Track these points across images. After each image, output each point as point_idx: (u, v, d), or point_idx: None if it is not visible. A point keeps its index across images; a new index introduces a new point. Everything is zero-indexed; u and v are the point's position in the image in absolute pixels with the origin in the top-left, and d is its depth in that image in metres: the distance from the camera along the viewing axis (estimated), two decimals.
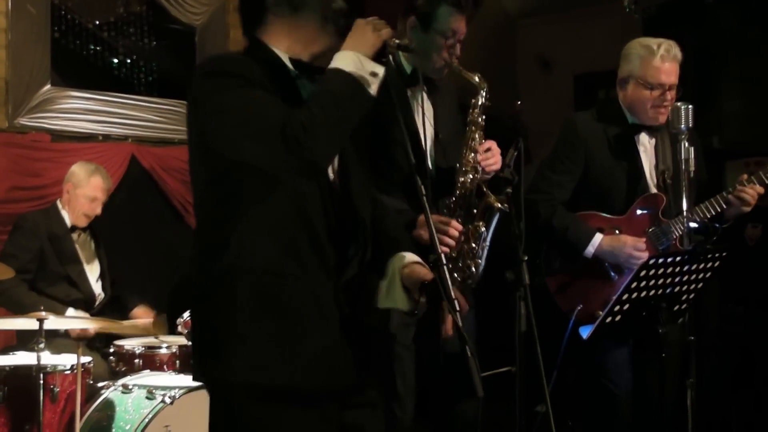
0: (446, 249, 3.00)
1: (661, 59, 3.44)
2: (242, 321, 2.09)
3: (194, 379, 2.27)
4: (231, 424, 2.15)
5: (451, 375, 3.00)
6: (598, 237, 3.43)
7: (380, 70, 2.12)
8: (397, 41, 2.25)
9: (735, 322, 4.90)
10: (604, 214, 3.50)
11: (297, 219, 2.13)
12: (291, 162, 2.03)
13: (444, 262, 2.15)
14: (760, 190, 3.40)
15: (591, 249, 3.42)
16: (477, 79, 3.16)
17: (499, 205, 2.98)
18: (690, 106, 3.32)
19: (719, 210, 3.43)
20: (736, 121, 3.98)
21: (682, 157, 3.32)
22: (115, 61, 5.96)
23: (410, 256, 2.33)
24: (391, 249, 2.37)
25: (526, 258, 2.96)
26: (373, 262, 2.35)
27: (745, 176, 3.42)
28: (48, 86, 5.42)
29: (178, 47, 6.17)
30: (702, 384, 3.23)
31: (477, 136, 3.16)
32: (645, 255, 3.36)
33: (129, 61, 6.00)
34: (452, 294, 2.14)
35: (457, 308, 2.13)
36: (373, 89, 2.12)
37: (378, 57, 2.16)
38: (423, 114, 3.17)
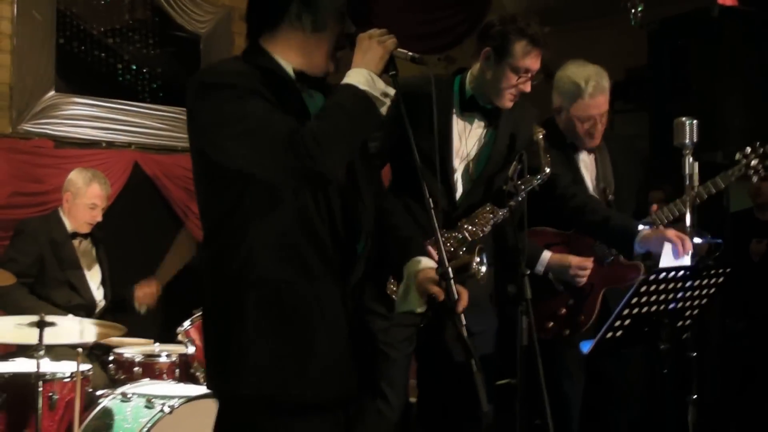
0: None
1: (589, 96, 3.55)
2: (250, 332, 2.09)
3: (208, 388, 2.28)
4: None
5: (458, 387, 3.00)
6: (546, 256, 3.53)
7: (391, 92, 2.12)
8: (409, 53, 2.23)
9: (738, 338, 4.88)
10: (552, 230, 3.58)
11: (301, 227, 2.12)
12: (296, 172, 2.02)
13: (451, 276, 2.14)
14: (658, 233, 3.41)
15: (540, 268, 3.53)
16: (547, 169, 3.17)
17: (474, 270, 2.96)
18: (694, 122, 3.32)
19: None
20: (741, 135, 3.95)
21: (687, 172, 3.34)
22: (120, 67, 5.96)
23: (425, 261, 2.32)
24: (404, 248, 2.37)
25: (528, 272, 2.97)
26: (383, 259, 2.36)
27: (655, 207, 3.51)
28: (52, 92, 5.42)
29: (182, 55, 6.18)
30: (704, 400, 3.22)
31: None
32: (587, 273, 3.50)
33: (134, 67, 6.00)
34: (458, 307, 2.13)
35: (463, 322, 2.13)
36: (384, 110, 2.11)
37: (385, 68, 2.16)
38: (466, 138, 3.17)
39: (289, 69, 2.20)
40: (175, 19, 5.89)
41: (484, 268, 2.93)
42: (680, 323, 3.11)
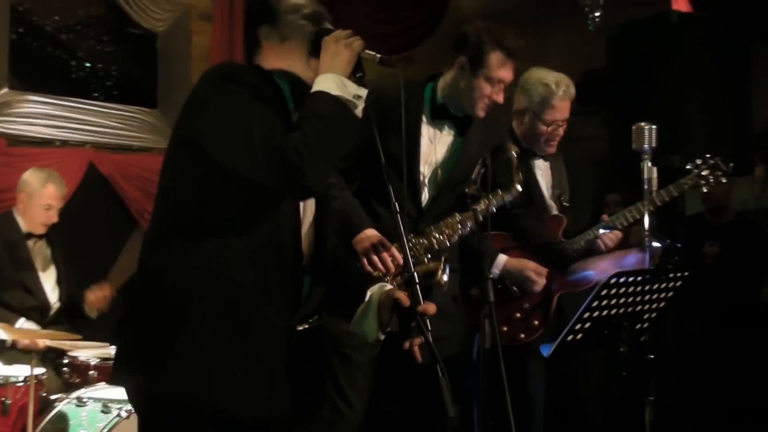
0: (370, 270, 2.98)
1: (560, 99, 3.60)
2: (195, 334, 2.03)
3: (118, 383, 2.21)
4: None
5: (421, 393, 3.00)
6: (502, 259, 3.57)
7: (363, 93, 2.10)
8: (377, 55, 2.20)
9: (695, 339, 4.95)
10: (508, 234, 3.61)
11: (272, 246, 2.10)
12: (285, 185, 2.00)
13: (417, 281, 2.14)
14: (619, 235, 3.58)
15: (496, 270, 3.54)
16: (518, 186, 3.19)
17: (438, 278, 2.96)
18: (653, 127, 3.35)
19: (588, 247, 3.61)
20: (699, 139, 4.02)
21: (645, 176, 3.38)
22: (74, 64, 5.86)
23: (389, 286, 2.32)
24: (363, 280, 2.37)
25: (491, 276, 2.98)
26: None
27: (606, 217, 3.59)
28: (5, 89, 5.31)
29: (138, 53, 6.10)
30: (661, 401, 3.26)
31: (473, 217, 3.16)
32: (543, 280, 3.55)
33: (88, 65, 5.90)
34: (423, 311, 2.12)
35: (429, 327, 2.12)
36: (359, 111, 2.09)
37: (354, 70, 2.13)
38: (435, 145, 3.17)
39: (283, 84, 2.19)
40: (132, 16, 5.80)
41: (446, 277, 2.96)
42: (638, 326, 3.16)
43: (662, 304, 3.13)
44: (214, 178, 2.05)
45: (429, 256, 3.13)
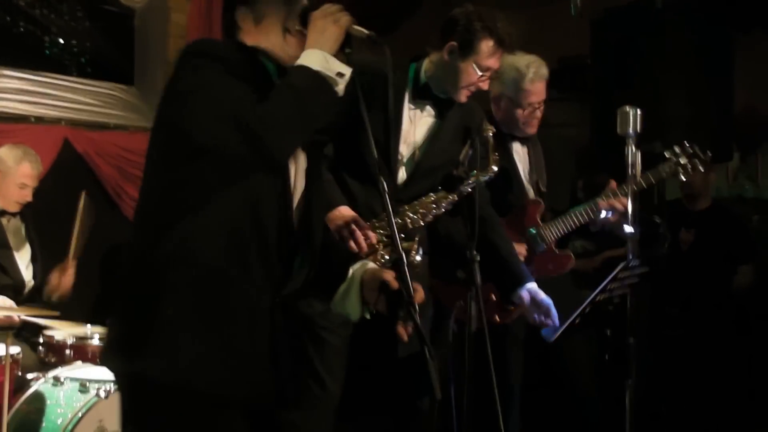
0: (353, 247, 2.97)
1: (530, 82, 3.62)
2: (174, 315, 2.01)
3: (105, 365, 2.19)
4: (139, 419, 2.08)
5: (408, 372, 3.00)
6: None
7: (347, 71, 2.08)
8: (364, 30, 2.18)
9: (671, 325, 4.99)
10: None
11: (250, 223, 2.07)
12: (250, 154, 1.97)
13: (405, 261, 2.12)
14: (625, 201, 3.57)
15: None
16: (494, 167, 3.17)
17: (412, 258, 2.95)
18: (638, 111, 3.37)
19: (591, 217, 3.63)
20: (680, 126, 4.04)
21: (629, 161, 3.41)
22: (47, 40, 5.75)
23: (372, 265, 2.31)
24: (347, 257, 2.35)
25: (478, 258, 2.97)
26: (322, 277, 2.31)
27: (614, 184, 3.62)
28: None
29: (113, 29, 6.00)
30: (640, 384, 3.29)
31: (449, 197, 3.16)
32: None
33: (61, 41, 5.80)
34: (412, 293, 2.11)
35: (417, 309, 2.11)
36: (340, 89, 2.07)
37: (343, 46, 2.11)
38: (415, 125, 3.15)
39: (269, 64, 2.17)
40: None
41: (419, 258, 2.95)
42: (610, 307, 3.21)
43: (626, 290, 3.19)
44: (186, 156, 2.03)
45: (402, 236, 3.12)
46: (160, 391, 2.02)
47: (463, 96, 3.15)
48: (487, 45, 3.06)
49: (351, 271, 2.29)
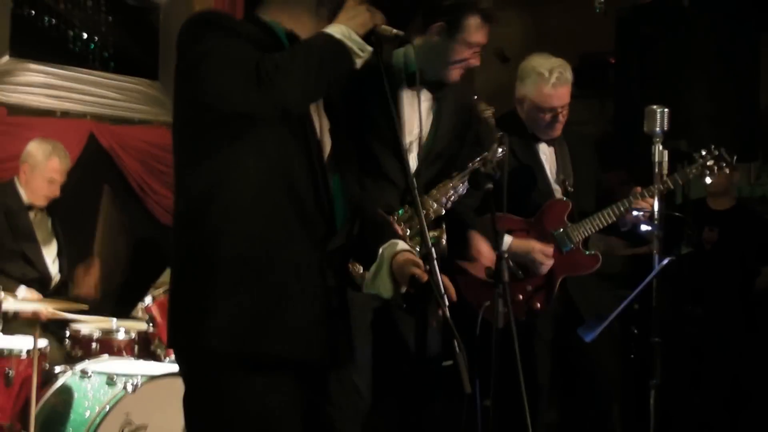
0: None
1: (553, 87, 3.62)
2: (221, 287, 2.05)
3: (168, 345, 2.23)
4: (204, 390, 2.11)
5: (432, 372, 3.00)
6: (508, 239, 3.56)
7: (368, 48, 2.11)
8: (393, 30, 2.21)
9: (695, 324, 4.98)
10: (514, 216, 3.61)
11: (284, 188, 2.10)
12: (262, 102, 2.00)
13: (435, 256, 2.13)
14: (652, 201, 3.58)
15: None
16: (498, 149, 3.14)
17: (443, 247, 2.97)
18: (665, 110, 3.38)
19: (619, 216, 3.65)
20: (704, 125, 4.03)
21: (656, 160, 3.43)
22: (71, 34, 5.78)
23: (402, 244, 2.30)
24: (379, 230, 2.36)
25: (506, 254, 2.97)
26: (358, 247, 2.32)
27: (639, 189, 3.61)
28: (6, 58, 5.23)
29: (137, 24, 6.02)
30: (664, 385, 3.30)
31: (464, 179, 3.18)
32: (551, 260, 3.59)
33: (84, 35, 5.83)
34: (442, 288, 2.12)
35: (447, 303, 2.12)
36: (358, 62, 2.10)
37: (368, 42, 2.13)
38: (414, 113, 3.15)
39: (282, 33, 2.19)
40: None
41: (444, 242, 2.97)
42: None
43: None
44: (208, 125, 2.07)
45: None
46: (223, 360, 2.06)
47: (455, 75, 3.17)
48: (474, 21, 3.09)
49: (381, 250, 2.29)
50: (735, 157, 3.68)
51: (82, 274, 4.47)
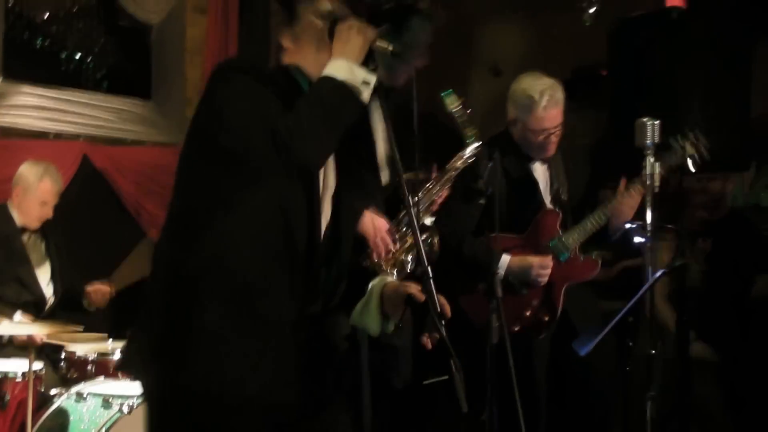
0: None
1: (544, 110, 3.63)
2: (210, 324, 2.04)
3: (136, 376, 2.22)
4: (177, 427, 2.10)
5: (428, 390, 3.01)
6: (506, 259, 3.58)
7: (372, 79, 2.12)
8: (386, 46, 2.22)
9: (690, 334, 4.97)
10: (506, 235, 3.59)
11: (281, 234, 2.10)
12: (280, 162, 2.01)
13: (431, 275, 2.13)
14: (637, 198, 3.58)
15: (501, 271, 3.54)
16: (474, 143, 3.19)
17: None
18: (656, 122, 3.37)
19: (605, 221, 3.65)
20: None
21: (647, 172, 3.41)
22: (65, 56, 5.80)
23: (392, 278, 2.33)
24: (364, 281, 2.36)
25: (499, 271, 2.98)
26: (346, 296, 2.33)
27: (623, 185, 3.63)
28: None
29: (131, 44, 6.05)
30: (661, 396, 3.29)
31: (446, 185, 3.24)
32: (548, 271, 3.58)
33: (78, 56, 5.85)
34: (438, 307, 2.12)
35: (444, 321, 2.12)
36: (365, 97, 2.11)
37: (366, 60, 2.15)
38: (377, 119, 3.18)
39: (305, 79, 2.20)
40: (127, 8, 5.73)
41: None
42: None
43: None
44: (217, 166, 2.08)
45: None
46: (200, 400, 2.05)
47: (402, 78, 3.18)
48: (417, 22, 3.09)
49: (370, 285, 2.30)
50: (708, 140, 3.63)
51: (95, 291, 4.47)
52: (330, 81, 2.08)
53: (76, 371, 4.00)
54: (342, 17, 2.18)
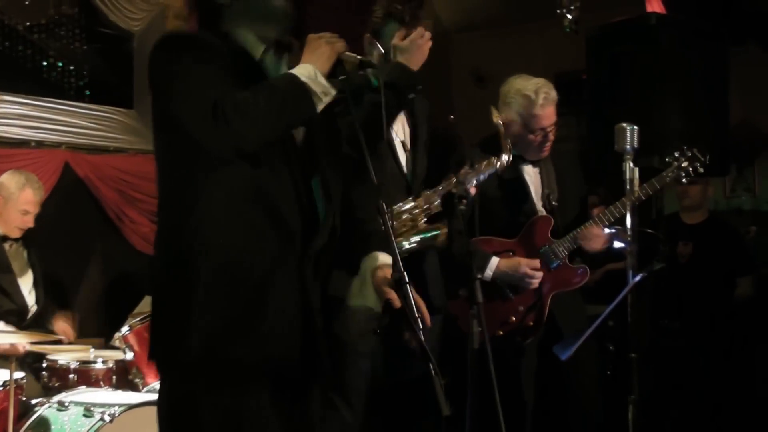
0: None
1: (541, 107, 3.62)
2: (199, 299, 2.07)
3: (149, 358, 2.25)
4: (180, 403, 2.13)
5: (413, 392, 3.00)
6: (495, 261, 3.57)
7: (332, 92, 2.16)
8: (357, 57, 2.25)
9: (672, 337, 5.01)
10: (498, 239, 3.61)
11: (253, 193, 2.12)
12: (214, 140, 2.03)
13: (407, 280, 2.14)
14: (599, 232, 3.60)
15: (489, 272, 3.55)
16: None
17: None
18: (635, 128, 3.39)
19: (576, 245, 3.64)
20: (677, 140, 4.05)
21: (627, 177, 3.43)
22: (45, 64, 5.78)
23: (383, 257, 2.33)
24: (364, 242, 2.40)
25: (479, 276, 2.98)
26: (343, 253, 2.33)
27: (596, 210, 3.69)
28: None
29: (112, 53, 6.03)
30: (642, 400, 3.30)
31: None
32: (540, 274, 3.57)
33: (60, 65, 5.83)
34: (416, 313, 2.13)
35: (421, 327, 2.13)
36: (320, 106, 2.14)
37: (334, 73, 2.18)
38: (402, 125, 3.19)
39: (251, 43, 2.22)
40: (108, 16, 5.73)
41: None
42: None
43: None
44: (181, 147, 2.11)
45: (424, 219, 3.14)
46: (200, 372, 2.08)
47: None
48: (390, 26, 3.13)
49: (362, 264, 2.33)
50: (708, 156, 3.67)
51: (61, 324, 4.43)
52: (290, 76, 2.12)
53: (58, 380, 3.99)
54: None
